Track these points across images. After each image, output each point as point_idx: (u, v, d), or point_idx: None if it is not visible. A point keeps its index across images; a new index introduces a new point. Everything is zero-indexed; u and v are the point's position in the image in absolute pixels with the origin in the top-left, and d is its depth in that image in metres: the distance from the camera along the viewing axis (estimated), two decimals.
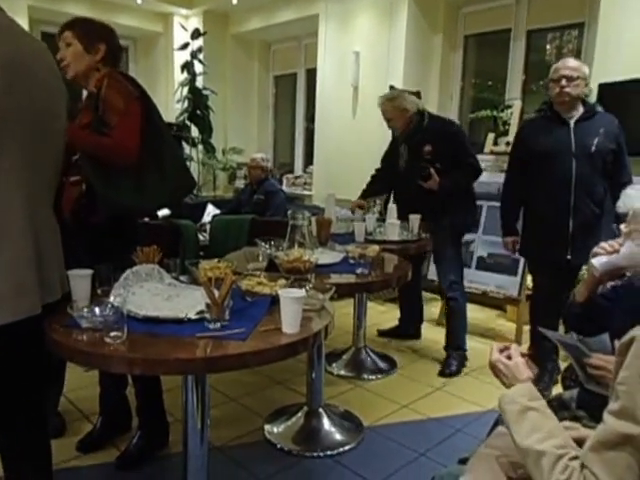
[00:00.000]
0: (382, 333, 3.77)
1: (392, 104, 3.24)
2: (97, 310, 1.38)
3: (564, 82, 2.62)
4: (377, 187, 3.56)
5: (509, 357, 1.19)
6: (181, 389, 1.62)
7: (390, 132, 3.67)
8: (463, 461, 1.37)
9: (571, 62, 2.70)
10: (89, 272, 1.51)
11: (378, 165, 3.62)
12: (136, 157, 1.89)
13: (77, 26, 2.01)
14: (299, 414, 2.51)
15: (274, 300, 1.61)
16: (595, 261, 1.47)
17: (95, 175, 1.88)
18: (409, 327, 3.74)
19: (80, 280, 1.48)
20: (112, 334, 1.30)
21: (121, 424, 2.30)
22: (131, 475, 2.09)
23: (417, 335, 3.74)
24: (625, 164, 2.72)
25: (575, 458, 0.94)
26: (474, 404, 2.77)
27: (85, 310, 1.39)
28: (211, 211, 5.04)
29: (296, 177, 6.44)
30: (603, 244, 1.48)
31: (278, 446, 2.32)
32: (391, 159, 3.43)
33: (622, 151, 2.71)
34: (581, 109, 2.72)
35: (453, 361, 3.21)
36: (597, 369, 1.30)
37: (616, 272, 1.47)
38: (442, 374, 3.15)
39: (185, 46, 6.09)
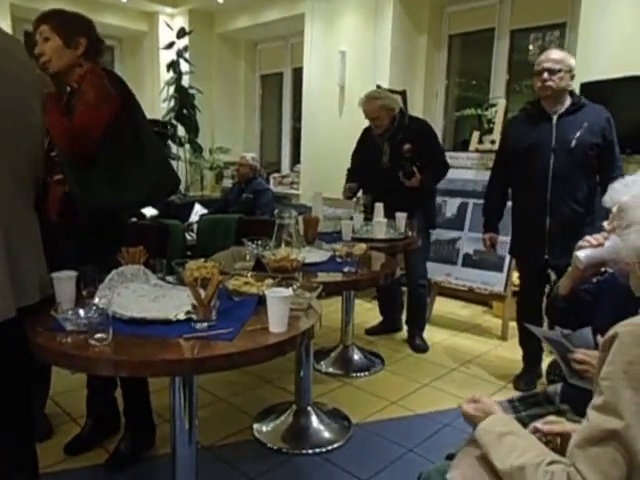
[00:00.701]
0: (370, 332, 3.78)
1: (379, 103, 3.27)
2: (82, 312, 1.36)
3: (546, 75, 2.57)
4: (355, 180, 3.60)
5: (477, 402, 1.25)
6: (169, 390, 1.61)
7: None
8: (450, 457, 1.38)
9: (554, 54, 2.63)
10: (73, 274, 1.49)
11: None
12: (91, 148, 1.85)
13: (53, 18, 1.94)
14: (288, 413, 2.51)
15: (261, 300, 1.61)
16: (580, 253, 1.49)
17: (69, 172, 1.86)
18: (394, 321, 3.78)
19: (64, 282, 1.46)
20: (97, 336, 1.29)
21: (109, 426, 2.28)
22: (120, 477, 2.08)
23: (400, 327, 3.78)
24: (614, 159, 2.62)
25: (553, 462, 0.95)
26: (461, 399, 2.76)
27: (69, 312, 1.37)
28: (199, 210, 5.02)
29: (283, 176, 6.43)
30: (588, 237, 1.50)
31: (267, 445, 2.33)
32: (368, 157, 3.46)
33: (610, 145, 2.61)
34: (568, 102, 2.65)
35: (421, 340, 3.52)
36: (581, 364, 1.32)
37: (600, 266, 1.49)
38: (416, 350, 3.47)
39: (171, 45, 6.05)
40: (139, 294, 1.62)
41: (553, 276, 2.84)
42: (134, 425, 2.17)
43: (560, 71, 2.57)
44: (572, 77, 2.64)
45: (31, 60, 1.71)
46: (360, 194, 3.52)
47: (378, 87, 4.40)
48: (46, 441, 2.23)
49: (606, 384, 0.92)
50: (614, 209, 1.27)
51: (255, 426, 2.46)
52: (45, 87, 1.75)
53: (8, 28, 4.96)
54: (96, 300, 1.38)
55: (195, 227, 4.35)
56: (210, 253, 2.48)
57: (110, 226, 1.99)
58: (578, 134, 2.59)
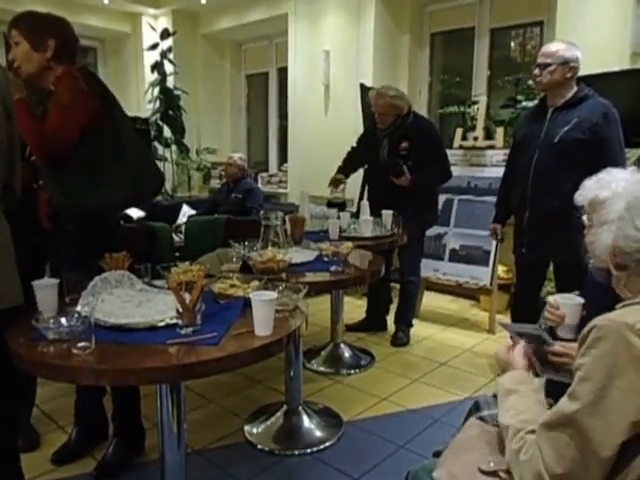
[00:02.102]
0: (350, 328, 3.71)
1: (388, 100, 3.30)
2: (63, 320, 1.35)
3: (537, 71, 2.58)
4: (354, 163, 3.67)
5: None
6: (155, 395, 1.60)
7: (361, 128, 3.69)
8: (437, 454, 1.39)
9: (547, 47, 2.59)
10: (54, 281, 1.48)
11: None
12: (66, 150, 1.83)
13: (23, 22, 1.92)
14: (279, 413, 2.51)
15: (247, 302, 1.60)
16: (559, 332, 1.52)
17: (47, 177, 1.85)
18: (377, 320, 3.77)
19: (45, 290, 1.45)
20: (80, 345, 1.28)
21: (98, 433, 2.25)
22: None
23: (384, 327, 3.76)
24: (607, 156, 2.38)
25: (532, 432, 1.03)
26: (451, 394, 2.81)
27: (51, 321, 1.36)
28: (187, 212, 5.00)
29: (271, 175, 6.42)
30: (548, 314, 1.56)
31: (259, 446, 2.33)
32: (370, 149, 3.49)
33: (602, 142, 2.46)
34: (569, 95, 2.57)
35: (403, 334, 3.53)
36: (559, 356, 1.34)
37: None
38: (394, 344, 3.49)
39: (154, 46, 6.01)
40: (123, 300, 1.61)
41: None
42: (123, 431, 2.15)
43: (550, 65, 2.53)
44: (571, 69, 2.53)
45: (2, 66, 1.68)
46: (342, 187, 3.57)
47: (362, 85, 4.41)
48: (32, 452, 2.19)
49: (578, 374, 0.97)
50: (586, 206, 1.28)
51: (246, 428, 2.46)
52: (17, 93, 1.73)
53: None
54: (79, 308, 1.37)
55: (183, 228, 4.33)
56: (199, 254, 2.48)
57: (99, 229, 1.96)
58: (565, 129, 2.53)
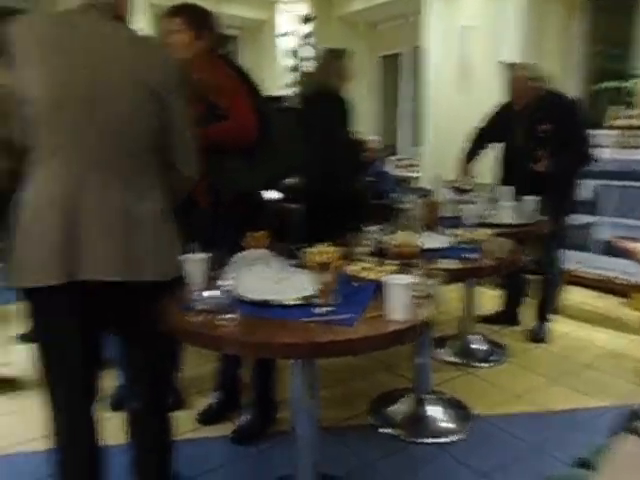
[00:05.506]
0: (485, 320, 3.54)
1: (528, 81, 3.09)
2: (210, 293, 1.43)
3: None
4: (483, 146, 3.49)
5: None
6: (290, 370, 1.66)
7: None
8: (582, 463, 1.27)
9: None
10: (203, 256, 1.57)
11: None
12: (256, 134, 1.96)
13: (185, 12, 2.05)
14: (406, 399, 2.49)
15: (379, 286, 1.59)
16: None
17: (211, 162, 1.96)
18: (512, 313, 3.56)
19: (194, 264, 1.54)
20: (225, 316, 1.36)
21: (234, 401, 2.41)
22: (246, 450, 2.19)
23: (518, 321, 3.54)
24: None
25: None
26: (593, 398, 2.58)
27: (199, 293, 1.45)
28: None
29: (400, 159, 6.32)
30: None
31: (384, 430, 2.33)
32: (503, 131, 3.28)
33: None
34: None
35: (540, 330, 3.34)
36: None
37: None
38: (531, 340, 3.31)
39: (292, 32, 6.17)
40: (262, 277, 1.67)
41: None
42: (259, 401, 2.27)
43: None
44: None
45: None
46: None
47: (504, 62, 4.13)
48: (178, 411, 2.37)
49: None
50: None
51: (373, 411, 2.47)
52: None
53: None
54: (223, 282, 1.45)
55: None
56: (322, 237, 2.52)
57: (250, 209, 2.09)
58: None
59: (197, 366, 2.71)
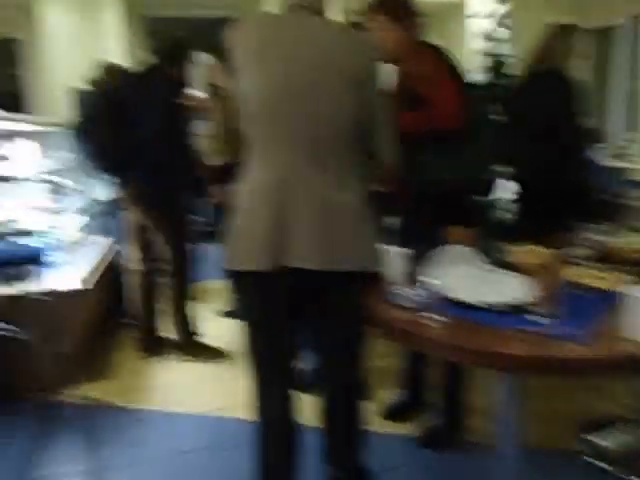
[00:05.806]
0: None
1: None
2: (416, 290, 1.35)
3: None
4: None
5: None
6: (486, 378, 1.49)
7: None
8: None
9: None
10: (408, 251, 1.49)
11: None
12: (461, 123, 1.86)
13: (387, 7, 1.99)
14: (620, 429, 2.14)
15: (611, 297, 1.34)
16: None
17: (410, 158, 1.89)
18: None
19: (398, 258, 1.48)
20: (433, 317, 1.26)
21: (419, 401, 2.31)
22: (431, 454, 2.10)
23: None
24: None
25: None
26: None
27: (406, 289, 1.38)
28: (504, 185, 4.67)
29: (609, 146, 5.54)
30: None
31: (593, 461, 2.02)
32: None
33: None
34: None
35: None
36: None
37: None
38: None
39: (485, 13, 5.79)
40: (467, 276, 1.53)
41: None
42: (449, 405, 2.15)
43: None
44: None
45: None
46: None
47: None
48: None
49: None
50: None
51: (579, 437, 2.15)
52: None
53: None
54: (430, 280, 1.35)
55: (507, 205, 4.07)
56: (533, 236, 2.27)
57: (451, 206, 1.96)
58: None
59: (379, 358, 2.66)
